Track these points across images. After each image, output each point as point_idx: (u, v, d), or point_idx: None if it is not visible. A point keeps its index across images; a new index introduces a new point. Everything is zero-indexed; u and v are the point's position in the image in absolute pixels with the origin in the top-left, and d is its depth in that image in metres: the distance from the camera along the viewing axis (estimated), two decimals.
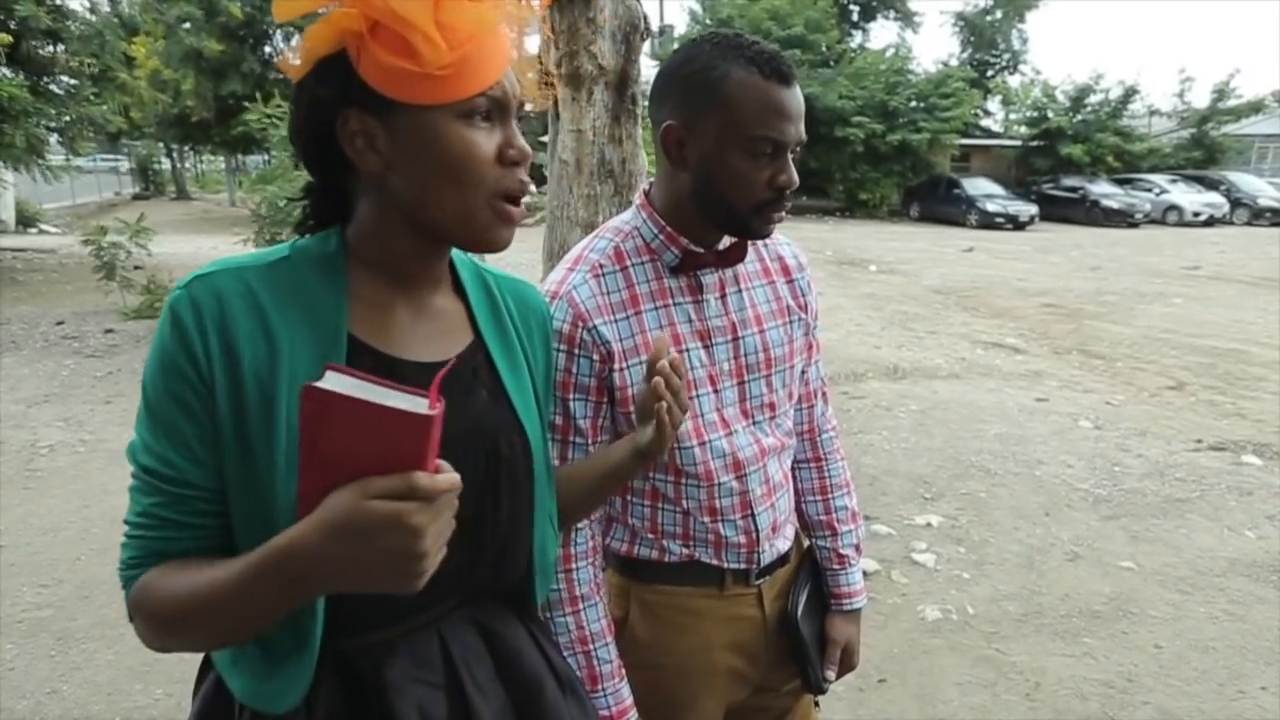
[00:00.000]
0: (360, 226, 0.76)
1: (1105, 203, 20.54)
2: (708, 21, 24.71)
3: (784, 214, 1.02)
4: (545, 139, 3.29)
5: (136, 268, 7.65)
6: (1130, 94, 23.58)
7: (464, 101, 0.70)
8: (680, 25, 27.08)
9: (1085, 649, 2.68)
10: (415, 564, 0.59)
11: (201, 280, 0.70)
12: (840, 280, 10.88)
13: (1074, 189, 21.50)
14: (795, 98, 0.97)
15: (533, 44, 0.78)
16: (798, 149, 1.00)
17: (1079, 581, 3.11)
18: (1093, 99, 23.65)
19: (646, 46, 3.37)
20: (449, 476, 0.60)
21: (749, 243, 1.09)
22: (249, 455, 0.69)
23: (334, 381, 0.57)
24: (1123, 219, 20.13)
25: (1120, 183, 21.90)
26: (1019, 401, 5.48)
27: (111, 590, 2.90)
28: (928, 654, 2.64)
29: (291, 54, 0.72)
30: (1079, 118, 23.53)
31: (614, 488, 0.95)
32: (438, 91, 0.68)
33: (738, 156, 0.96)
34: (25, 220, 15.18)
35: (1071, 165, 22.93)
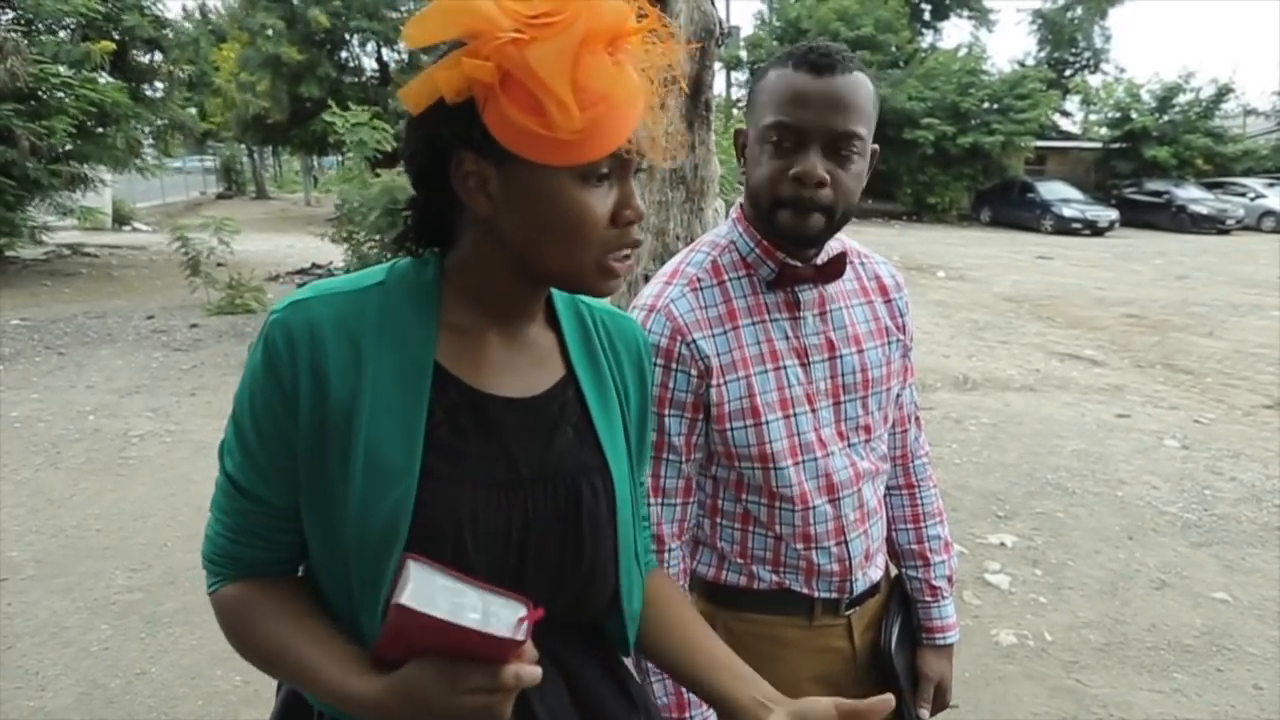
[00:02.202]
0: (461, 257, 0.75)
1: (1193, 208, 19.47)
2: (775, 23, 24.45)
3: (819, 216, 0.94)
4: None
5: (219, 265, 8.01)
6: (1224, 93, 22.33)
7: (586, 164, 0.67)
8: (746, 27, 26.86)
9: (1175, 685, 2.53)
10: None
11: (297, 307, 0.70)
12: (907, 287, 10.58)
13: (1159, 193, 20.45)
14: (827, 86, 0.92)
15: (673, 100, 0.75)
16: (843, 146, 0.92)
17: (1167, 612, 2.95)
18: (1182, 99, 22.47)
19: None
20: (532, 671, 0.64)
21: (847, 259, 1.06)
22: (322, 478, 0.70)
23: (417, 590, 0.60)
24: (1212, 225, 19.06)
25: (1210, 186, 20.75)
26: (1098, 417, 5.24)
27: (196, 577, 3.03)
28: (1002, 681, 2.54)
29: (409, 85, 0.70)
30: (1165, 118, 22.39)
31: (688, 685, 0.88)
32: (562, 154, 0.66)
33: (761, 149, 0.96)
34: (121, 219, 16.07)
35: (1156, 168, 21.84)
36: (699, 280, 1.03)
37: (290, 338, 0.69)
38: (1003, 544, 3.46)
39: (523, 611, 0.63)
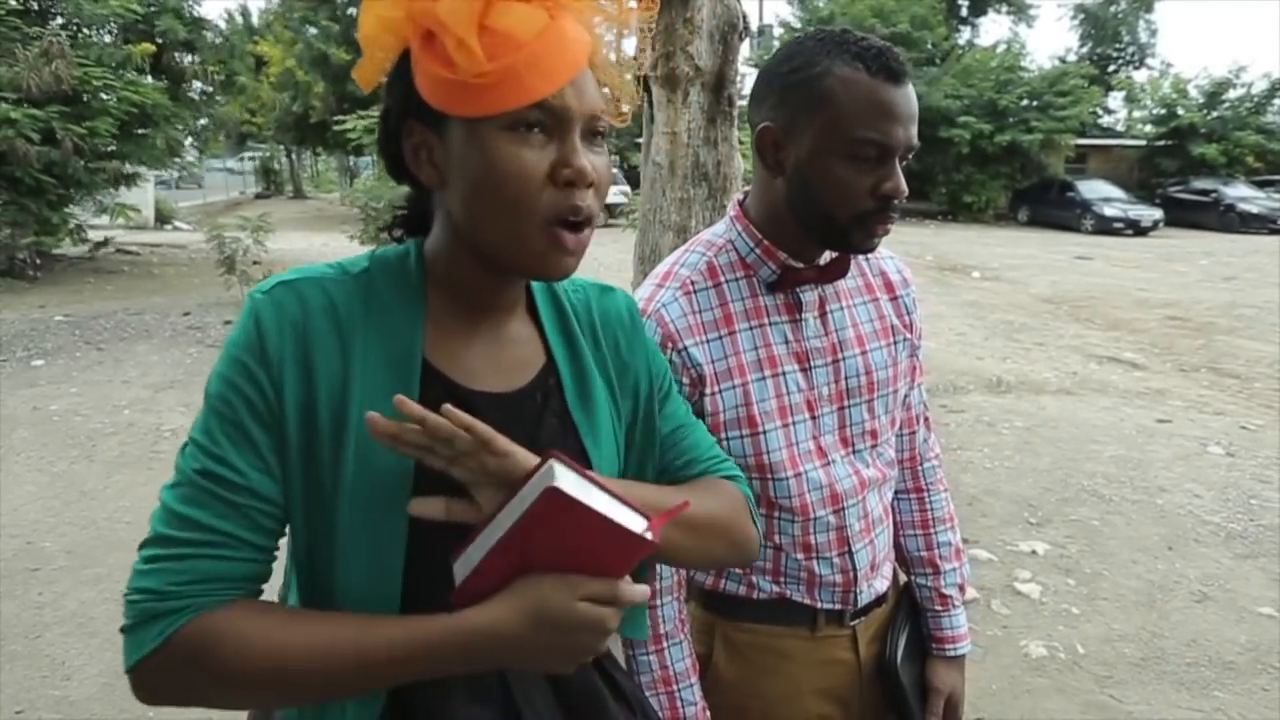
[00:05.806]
0: (434, 245, 0.74)
1: (1242, 207, 18.83)
2: (805, 26, 24.23)
3: (889, 227, 0.94)
4: (640, 141, 3.27)
5: (255, 263, 8.16)
6: (1277, 88, 21.59)
7: (511, 113, 0.64)
8: (780, 26, 26.62)
9: (1217, 704, 2.42)
10: (590, 655, 0.65)
11: (286, 286, 0.68)
12: (941, 287, 10.40)
13: (1206, 192, 19.80)
14: (906, 97, 0.89)
15: (627, 46, 0.73)
16: (908, 155, 0.91)
17: (1209, 626, 2.83)
18: (1232, 94, 21.79)
19: (745, 48, 3.29)
20: (643, 589, 0.66)
21: (851, 256, 1.02)
22: (314, 474, 0.66)
23: (569, 482, 0.59)
24: (1263, 225, 18.38)
25: (1261, 185, 20.06)
26: (1138, 422, 5.07)
27: None
28: (1031, 694, 2.45)
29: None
30: (1214, 115, 21.70)
31: None
32: (477, 102, 0.64)
33: (838, 161, 0.89)
34: (162, 218, 16.51)
35: (1204, 166, 21.17)
36: (692, 282, 0.98)
37: (280, 314, 0.66)
38: (1034, 552, 3.36)
39: (645, 521, 0.63)
